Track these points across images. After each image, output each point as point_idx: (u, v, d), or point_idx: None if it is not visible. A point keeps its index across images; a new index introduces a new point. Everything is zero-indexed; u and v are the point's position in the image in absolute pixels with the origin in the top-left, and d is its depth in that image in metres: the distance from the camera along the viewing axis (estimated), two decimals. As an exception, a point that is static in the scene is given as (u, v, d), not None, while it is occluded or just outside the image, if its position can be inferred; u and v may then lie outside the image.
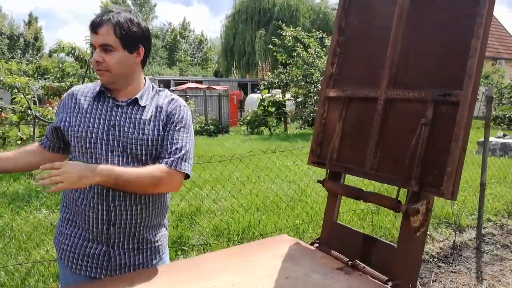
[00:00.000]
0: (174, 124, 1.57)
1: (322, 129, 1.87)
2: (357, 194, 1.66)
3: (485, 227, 4.52)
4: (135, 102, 1.57)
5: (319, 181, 1.87)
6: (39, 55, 28.89)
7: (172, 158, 1.52)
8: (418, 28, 1.52)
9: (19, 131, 11.99)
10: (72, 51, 5.64)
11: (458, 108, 1.34)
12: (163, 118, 1.57)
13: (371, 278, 1.50)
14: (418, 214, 1.46)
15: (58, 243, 1.62)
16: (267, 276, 1.49)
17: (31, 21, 34.98)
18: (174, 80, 26.49)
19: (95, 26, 1.47)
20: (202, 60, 43.43)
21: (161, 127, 1.56)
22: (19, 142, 11.73)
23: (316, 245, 1.84)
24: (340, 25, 1.83)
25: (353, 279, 1.50)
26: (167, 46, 42.76)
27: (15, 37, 28.08)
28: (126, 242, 1.57)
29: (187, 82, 25.51)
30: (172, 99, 1.63)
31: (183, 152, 1.55)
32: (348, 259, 1.62)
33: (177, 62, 41.13)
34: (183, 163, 1.54)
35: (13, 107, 6.74)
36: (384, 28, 1.61)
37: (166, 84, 24.56)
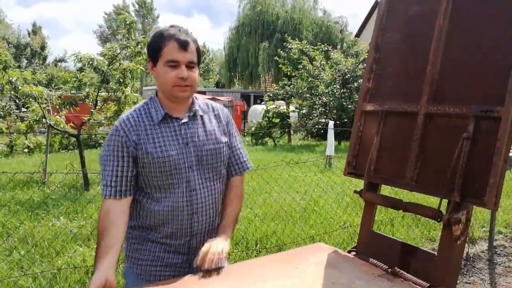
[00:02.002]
0: (232, 130, 1.75)
1: (358, 141, 1.95)
2: (397, 204, 1.74)
3: (496, 239, 4.59)
4: (195, 115, 1.64)
5: (355, 192, 1.94)
6: (45, 64, 29.18)
7: (243, 166, 1.75)
8: (458, 45, 1.61)
9: (27, 139, 12.09)
10: (91, 62, 5.74)
11: (499, 124, 1.42)
12: (224, 123, 1.72)
13: (413, 285, 1.57)
14: (459, 223, 1.54)
15: (133, 260, 1.65)
16: (313, 282, 1.56)
17: (35, 30, 35.33)
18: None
19: (185, 44, 1.51)
20: (204, 71, 43.67)
21: (226, 131, 1.71)
22: (26, 150, 11.83)
23: (353, 253, 1.91)
24: (377, 42, 1.93)
25: (396, 285, 1.57)
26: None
27: (22, 46, 28.34)
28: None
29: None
30: (210, 103, 1.74)
31: (245, 153, 1.78)
32: (387, 267, 1.68)
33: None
34: (248, 163, 1.78)
35: (27, 116, 6.82)
36: (423, 45, 1.70)
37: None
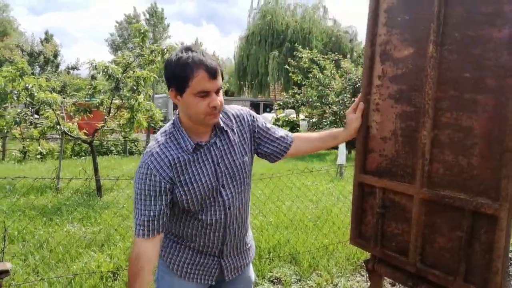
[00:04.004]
0: (260, 121, 1.77)
1: (359, 212, 1.99)
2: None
3: (511, 251, 4.52)
4: (221, 132, 1.61)
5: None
6: (57, 71, 29.57)
7: (289, 138, 1.81)
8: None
9: (39, 146, 12.23)
10: (105, 69, 5.82)
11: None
12: (247, 124, 1.70)
13: None
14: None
15: (168, 259, 1.70)
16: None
17: (48, 38, 35.88)
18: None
19: (214, 73, 1.44)
20: (214, 79, 43.85)
21: (251, 139, 1.71)
22: (38, 156, 11.95)
23: (369, 264, 1.90)
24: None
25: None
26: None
27: (35, 54, 28.80)
28: (234, 252, 1.74)
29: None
30: (231, 112, 1.69)
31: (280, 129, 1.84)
32: None
33: (189, 81, 41.61)
34: (289, 136, 1.84)
35: (41, 122, 6.90)
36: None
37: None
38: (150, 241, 1.51)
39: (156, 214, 1.51)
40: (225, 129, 1.61)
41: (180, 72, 1.43)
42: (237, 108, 1.72)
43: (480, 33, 1.45)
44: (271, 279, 3.58)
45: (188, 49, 1.46)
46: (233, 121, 1.66)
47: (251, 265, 1.90)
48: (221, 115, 1.62)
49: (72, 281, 3.29)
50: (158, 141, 1.56)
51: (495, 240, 1.41)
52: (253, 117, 1.73)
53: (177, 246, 1.69)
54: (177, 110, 1.61)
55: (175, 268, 1.68)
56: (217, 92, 1.48)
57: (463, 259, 1.51)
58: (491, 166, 1.43)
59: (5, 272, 1.33)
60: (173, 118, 1.62)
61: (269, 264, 3.78)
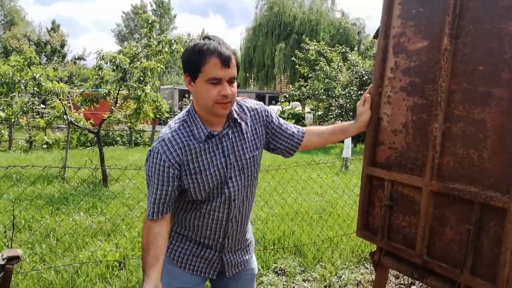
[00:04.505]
0: (273, 116, 1.76)
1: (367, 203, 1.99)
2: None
3: None
4: (235, 124, 1.61)
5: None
6: (64, 61, 29.67)
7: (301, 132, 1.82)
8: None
9: (45, 135, 12.30)
10: (113, 60, 5.81)
11: None
12: (261, 119, 1.70)
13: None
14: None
15: (172, 251, 1.71)
16: None
17: (54, 28, 35.94)
18: (193, 90, 26.81)
19: (227, 61, 1.44)
20: (219, 71, 43.80)
21: (263, 134, 1.71)
22: (44, 146, 12.03)
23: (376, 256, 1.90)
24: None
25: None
26: (185, 56, 43.18)
27: (42, 43, 28.89)
28: (235, 247, 1.75)
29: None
30: (245, 105, 1.68)
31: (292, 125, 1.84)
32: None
33: (195, 72, 41.64)
34: (300, 129, 1.84)
35: (48, 112, 6.93)
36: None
37: (185, 93, 24.87)
38: (158, 221, 1.56)
39: (163, 197, 1.54)
40: (239, 121, 1.60)
41: (194, 58, 1.45)
42: (253, 103, 1.72)
43: (497, 26, 1.44)
44: (276, 270, 3.60)
45: (206, 37, 1.50)
46: (248, 114, 1.66)
47: (254, 257, 1.90)
48: (235, 108, 1.62)
49: (79, 270, 3.31)
50: (171, 128, 1.56)
51: (504, 233, 1.40)
52: (268, 112, 1.73)
53: (180, 237, 1.70)
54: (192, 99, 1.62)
55: (176, 259, 1.69)
56: (230, 82, 1.47)
57: (471, 252, 1.51)
58: (502, 160, 1.42)
59: (16, 258, 1.35)
60: (189, 106, 1.62)
61: (273, 255, 3.79)
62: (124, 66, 5.87)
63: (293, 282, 3.43)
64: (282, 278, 3.48)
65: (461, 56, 1.54)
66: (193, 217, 1.64)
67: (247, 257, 1.82)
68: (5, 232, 3.82)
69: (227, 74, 1.45)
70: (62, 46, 31.03)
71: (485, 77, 1.47)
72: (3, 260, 1.25)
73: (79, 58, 33.03)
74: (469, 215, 1.51)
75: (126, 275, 3.30)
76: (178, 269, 1.70)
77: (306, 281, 3.47)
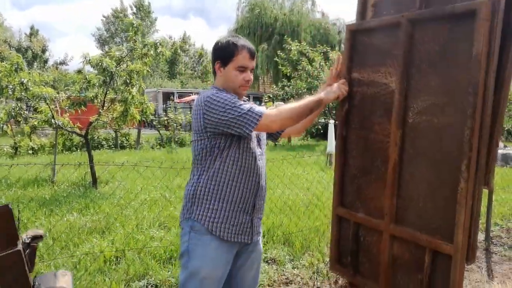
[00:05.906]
0: None
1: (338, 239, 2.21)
2: None
3: (492, 230, 4.78)
4: (245, 102, 1.95)
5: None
6: (45, 67, 29.34)
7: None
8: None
9: (31, 141, 12.24)
10: (100, 63, 5.92)
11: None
12: None
13: None
14: None
15: (205, 219, 1.87)
16: None
17: (33, 33, 35.46)
18: (177, 92, 26.89)
19: (254, 55, 1.93)
20: (202, 73, 43.86)
21: None
22: (30, 151, 11.97)
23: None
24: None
25: None
26: (168, 59, 43.13)
27: (23, 49, 28.52)
28: (259, 212, 2.00)
29: (189, 94, 25.88)
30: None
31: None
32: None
33: (178, 75, 41.55)
34: None
35: (36, 117, 6.97)
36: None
37: (169, 96, 24.92)
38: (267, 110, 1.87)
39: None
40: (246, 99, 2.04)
41: (229, 49, 1.89)
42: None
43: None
44: (266, 260, 3.78)
45: (235, 36, 1.96)
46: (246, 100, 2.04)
47: (261, 239, 2.12)
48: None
49: (77, 265, 3.44)
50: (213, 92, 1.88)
51: None
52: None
53: (215, 202, 1.87)
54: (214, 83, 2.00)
55: (215, 230, 1.86)
56: (251, 71, 1.94)
57: None
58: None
59: (39, 237, 1.50)
60: (212, 87, 1.94)
61: (264, 246, 3.98)
62: (111, 70, 5.98)
63: (283, 270, 3.62)
64: (273, 267, 3.67)
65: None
66: (233, 167, 1.86)
67: (261, 228, 2.09)
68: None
69: (251, 64, 1.93)
70: (43, 51, 30.70)
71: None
72: (28, 239, 1.41)
73: (61, 63, 32.70)
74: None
75: (124, 268, 3.44)
76: (216, 239, 1.86)
77: (296, 269, 3.66)
